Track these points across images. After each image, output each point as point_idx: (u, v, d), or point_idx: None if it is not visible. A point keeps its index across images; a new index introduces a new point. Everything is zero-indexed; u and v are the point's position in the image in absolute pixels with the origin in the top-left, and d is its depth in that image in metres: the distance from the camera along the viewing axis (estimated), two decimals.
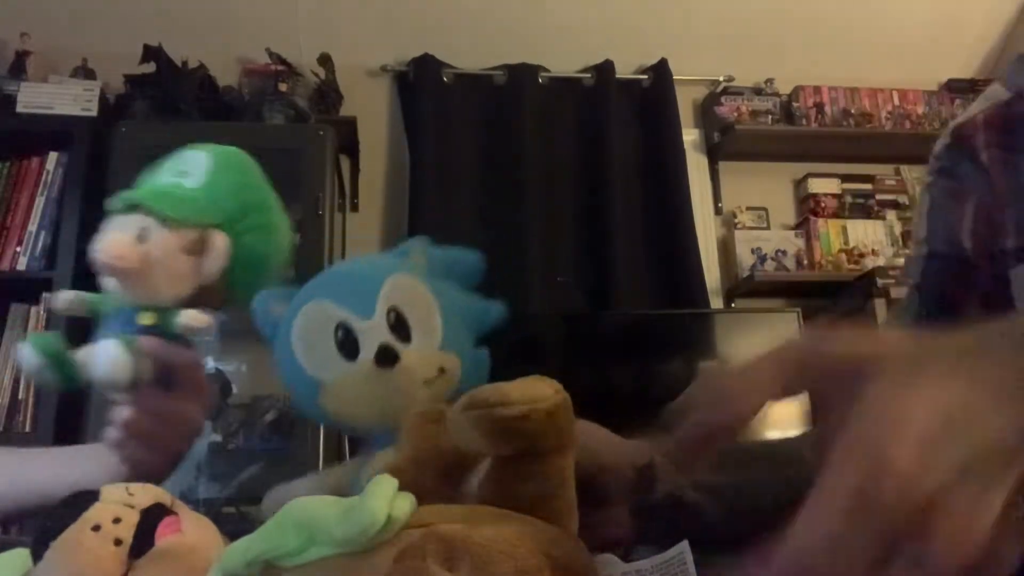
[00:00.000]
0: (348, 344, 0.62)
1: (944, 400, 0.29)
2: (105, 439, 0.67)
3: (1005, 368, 0.31)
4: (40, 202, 2.16)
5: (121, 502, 0.43)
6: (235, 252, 0.69)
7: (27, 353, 0.64)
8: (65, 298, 0.68)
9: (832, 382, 0.35)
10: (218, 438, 2.15)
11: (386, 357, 0.61)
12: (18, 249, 2.12)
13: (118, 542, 0.41)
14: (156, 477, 0.65)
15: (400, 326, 0.63)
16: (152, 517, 0.43)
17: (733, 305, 2.71)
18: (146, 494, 0.44)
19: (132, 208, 0.67)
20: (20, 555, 0.43)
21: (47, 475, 0.74)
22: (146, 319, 0.66)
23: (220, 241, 0.68)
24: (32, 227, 2.14)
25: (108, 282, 0.67)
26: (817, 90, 2.86)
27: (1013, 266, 0.64)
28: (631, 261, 2.58)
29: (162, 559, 0.42)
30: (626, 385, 2.26)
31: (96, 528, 0.41)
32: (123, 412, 0.65)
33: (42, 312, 2.08)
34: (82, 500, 0.43)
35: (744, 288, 2.66)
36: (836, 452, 0.29)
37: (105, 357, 0.63)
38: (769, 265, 2.69)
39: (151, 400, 0.65)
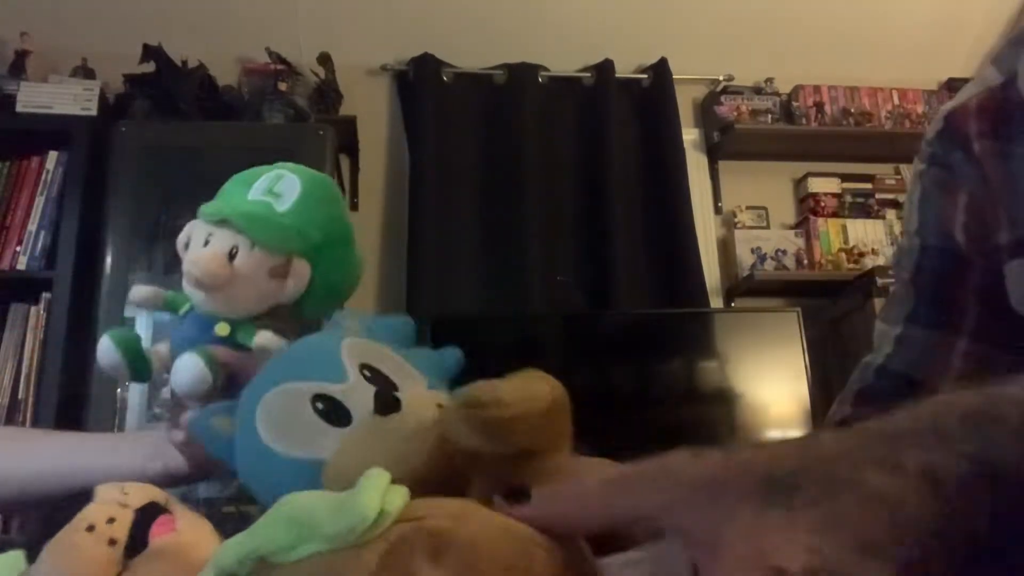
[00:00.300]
0: (334, 412, 0.55)
1: (800, 560, 0.27)
2: (172, 438, 0.71)
3: (869, 504, 0.28)
4: (40, 202, 2.16)
5: (115, 502, 0.43)
6: (313, 280, 0.70)
7: (106, 347, 0.66)
8: (142, 293, 0.69)
9: (682, 513, 0.32)
10: None
11: (387, 403, 0.55)
12: (18, 249, 2.12)
13: (112, 542, 0.41)
14: (207, 477, 0.70)
15: (379, 379, 0.57)
16: (147, 516, 0.43)
17: (733, 305, 2.71)
18: (141, 493, 0.44)
19: (222, 221, 0.68)
20: (15, 557, 0.43)
21: (91, 460, 0.76)
22: (222, 330, 0.67)
23: (303, 269, 0.70)
24: (32, 227, 2.14)
25: (192, 292, 0.68)
26: (817, 89, 2.86)
27: (1007, 261, 0.62)
28: (631, 260, 2.58)
29: (157, 558, 0.42)
30: (626, 385, 2.27)
31: (90, 528, 0.41)
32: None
33: (41, 312, 2.08)
34: (77, 502, 0.43)
35: (744, 287, 2.66)
36: None
37: (189, 371, 0.64)
38: (769, 264, 2.69)
39: None
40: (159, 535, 0.43)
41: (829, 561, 0.27)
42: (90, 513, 0.42)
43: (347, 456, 0.55)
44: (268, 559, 0.37)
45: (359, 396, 0.55)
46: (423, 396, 0.57)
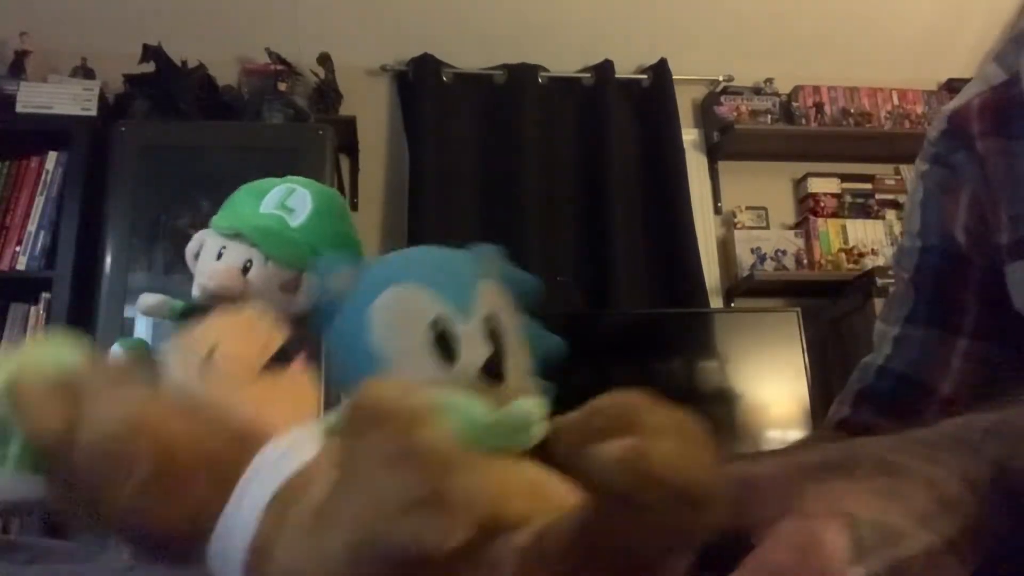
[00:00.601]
0: (446, 346, 0.54)
1: (854, 522, 0.30)
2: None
3: (919, 485, 0.32)
4: (39, 202, 2.16)
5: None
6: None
7: (117, 355, 0.67)
8: (149, 301, 0.69)
9: (753, 507, 0.35)
10: None
11: (494, 372, 0.53)
12: (17, 249, 2.12)
13: (268, 344, 0.42)
14: None
15: (495, 337, 0.56)
16: (290, 346, 0.45)
17: (733, 305, 2.71)
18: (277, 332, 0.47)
19: (235, 235, 0.68)
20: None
21: None
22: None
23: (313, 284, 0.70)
24: (31, 227, 2.14)
25: (203, 298, 0.69)
26: (817, 90, 2.86)
27: (1008, 262, 0.62)
28: (631, 260, 2.57)
29: (287, 383, 0.42)
30: (626, 385, 2.26)
31: (259, 319, 0.43)
32: None
33: (41, 312, 2.08)
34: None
35: (744, 288, 2.66)
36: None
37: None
38: (769, 265, 2.69)
39: None
40: (297, 367, 0.43)
41: (890, 520, 0.31)
42: (256, 310, 0.44)
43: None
44: None
45: (474, 345, 0.54)
46: (521, 385, 0.56)
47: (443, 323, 0.54)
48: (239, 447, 0.32)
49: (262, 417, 0.36)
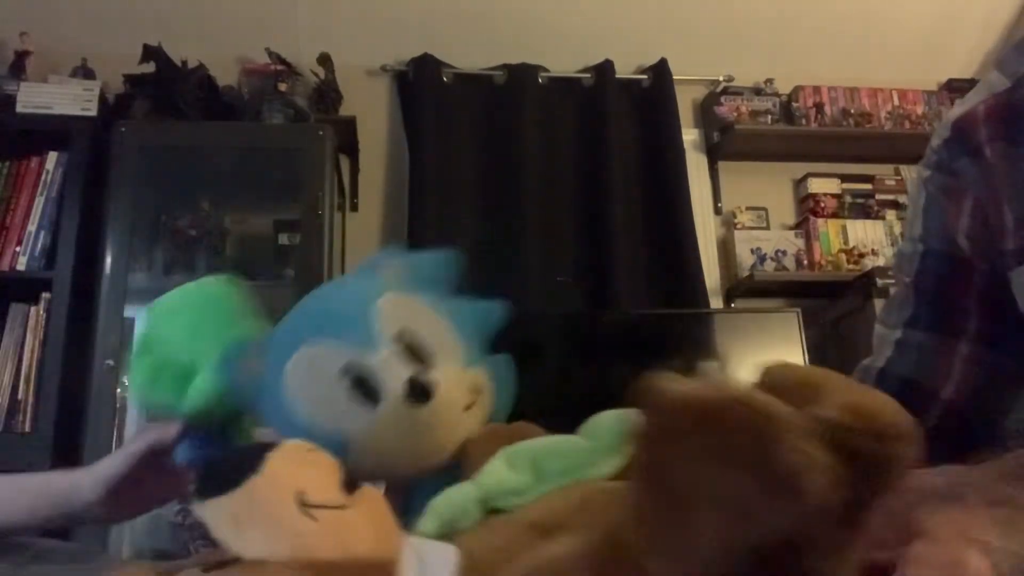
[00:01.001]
0: (363, 388, 0.53)
1: (989, 548, 0.32)
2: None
3: None
4: (40, 202, 2.16)
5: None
6: None
7: None
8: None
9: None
10: None
11: (420, 392, 0.51)
12: (18, 249, 2.12)
13: (334, 469, 0.39)
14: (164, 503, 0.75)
15: (415, 352, 0.54)
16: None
17: (733, 305, 2.71)
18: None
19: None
20: None
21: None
22: None
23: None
24: (32, 227, 2.14)
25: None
26: (817, 90, 2.86)
27: (1013, 267, 0.62)
28: (631, 261, 2.57)
29: (371, 500, 0.40)
30: (625, 385, 2.26)
31: (311, 451, 0.39)
32: None
33: (41, 312, 2.08)
34: (261, 444, 0.40)
35: (744, 288, 2.66)
36: None
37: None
38: (769, 265, 2.69)
39: None
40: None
41: (1017, 548, 0.32)
42: (300, 442, 0.41)
43: (373, 441, 0.52)
44: (495, 503, 0.36)
45: (392, 372, 0.52)
46: (458, 380, 0.54)
47: (353, 368, 0.53)
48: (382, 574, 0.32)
49: (374, 541, 0.36)
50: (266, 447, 0.37)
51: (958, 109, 0.69)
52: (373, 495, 0.41)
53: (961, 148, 0.67)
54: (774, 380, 0.30)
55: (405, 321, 0.55)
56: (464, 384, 0.55)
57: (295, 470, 0.36)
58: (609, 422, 0.37)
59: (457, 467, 0.54)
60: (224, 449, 0.48)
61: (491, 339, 0.62)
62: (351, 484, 0.39)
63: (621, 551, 0.28)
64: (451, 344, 0.56)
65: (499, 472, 0.37)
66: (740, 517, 0.25)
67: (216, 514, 0.35)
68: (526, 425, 0.57)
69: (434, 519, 0.38)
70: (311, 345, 0.55)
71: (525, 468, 0.37)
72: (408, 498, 0.54)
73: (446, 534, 0.38)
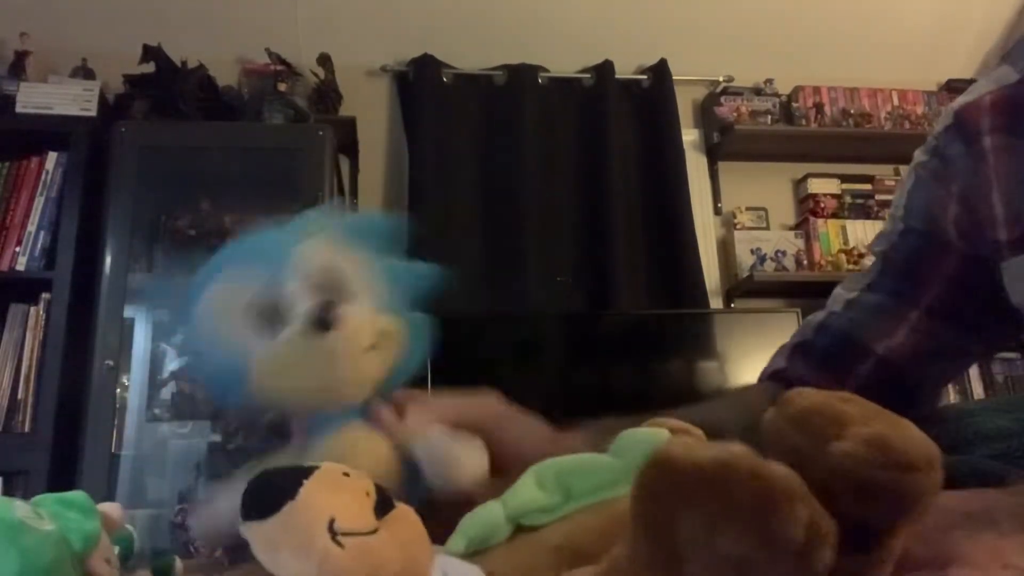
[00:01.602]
0: (270, 314, 0.54)
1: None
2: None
3: None
4: (39, 202, 2.16)
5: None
6: None
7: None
8: None
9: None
10: (217, 439, 2.15)
11: (321, 319, 0.52)
12: (17, 249, 2.12)
13: (367, 494, 0.39)
14: None
15: (330, 288, 0.55)
16: (380, 483, 0.42)
17: (732, 305, 2.71)
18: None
19: None
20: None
21: None
22: None
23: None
24: (31, 227, 2.14)
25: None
26: (817, 90, 2.86)
27: (1006, 258, 0.62)
28: (630, 261, 2.57)
29: (403, 521, 0.40)
30: (626, 386, 2.26)
31: (346, 475, 0.40)
32: None
33: (41, 312, 2.08)
34: (301, 466, 0.41)
35: (744, 288, 2.66)
36: None
37: None
38: (768, 265, 2.69)
39: None
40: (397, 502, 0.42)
41: None
42: (333, 465, 0.41)
43: (273, 366, 0.54)
44: (526, 522, 0.37)
45: (298, 303, 0.54)
46: (365, 319, 0.55)
47: (261, 298, 0.54)
48: None
49: (401, 563, 0.37)
50: (305, 472, 0.38)
51: (963, 98, 0.69)
52: (406, 515, 0.41)
53: (958, 135, 0.67)
54: (793, 410, 0.30)
55: (322, 262, 0.56)
56: (371, 325, 0.55)
57: (328, 497, 0.37)
58: (638, 440, 0.38)
59: (357, 408, 0.55)
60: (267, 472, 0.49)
61: (419, 300, 0.62)
62: (385, 505, 0.40)
63: None
64: (366, 287, 0.57)
65: (527, 490, 0.38)
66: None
67: (256, 537, 0.37)
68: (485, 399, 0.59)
69: (462, 538, 0.39)
70: (225, 281, 0.56)
71: (553, 486, 0.38)
72: (310, 433, 0.56)
73: (475, 552, 0.39)
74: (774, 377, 0.76)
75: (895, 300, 0.70)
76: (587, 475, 0.38)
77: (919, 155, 0.72)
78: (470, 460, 0.53)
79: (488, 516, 0.39)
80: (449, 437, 0.54)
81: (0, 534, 0.40)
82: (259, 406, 0.58)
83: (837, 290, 0.76)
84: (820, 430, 0.29)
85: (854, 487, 0.28)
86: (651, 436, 0.39)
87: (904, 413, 0.33)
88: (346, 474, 0.39)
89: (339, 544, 0.35)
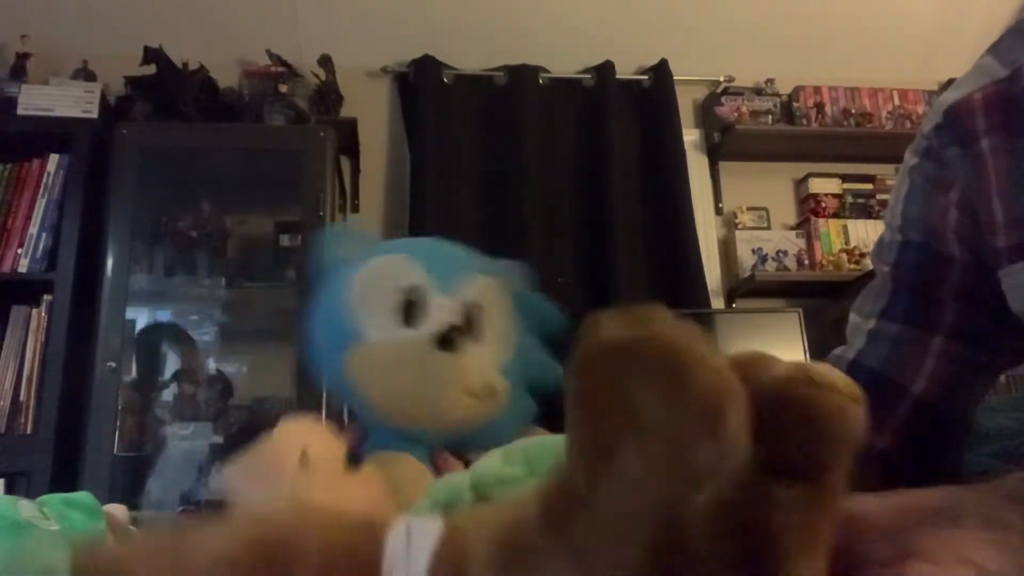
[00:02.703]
0: (411, 310, 0.55)
1: (983, 571, 0.33)
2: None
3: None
4: (41, 204, 2.16)
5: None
6: None
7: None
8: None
9: (862, 542, 0.38)
10: (219, 440, 2.15)
11: (448, 339, 0.53)
12: (19, 251, 2.12)
13: (338, 446, 0.41)
14: None
15: (471, 323, 0.56)
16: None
17: (734, 305, 2.71)
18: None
19: None
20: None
21: None
22: None
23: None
24: (33, 229, 2.14)
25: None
26: (817, 90, 2.86)
27: (1004, 265, 0.60)
28: (632, 261, 2.57)
29: (368, 476, 0.42)
30: None
31: (320, 425, 0.42)
32: None
33: (43, 314, 2.08)
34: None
35: (745, 288, 2.66)
36: None
37: None
38: (770, 265, 2.69)
39: None
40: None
41: (1010, 572, 0.33)
42: (309, 418, 0.42)
43: (381, 354, 0.54)
44: (488, 491, 0.38)
45: (440, 315, 0.55)
46: (485, 365, 0.56)
47: (416, 292, 0.55)
48: (368, 537, 0.33)
49: (367, 505, 0.38)
50: (277, 420, 0.40)
51: (951, 95, 0.66)
52: (372, 475, 0.42)
53: (952, 136, 0.64)
54: (737, 358, 0.31)
55: (483, 300, 0.57)
56: (484, 374, 0.56)
57: (303, 435, 0.40)
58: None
59: (415, 437, 0.55)
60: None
61: (533, 390, 0.63)
62: (354, 462, 0.41)
63: (568, 491, 0.29)
64: (502, 343, 0.58)
65: (493, 463, 0.39)
66: (665, 451, 0.25)
67: (233, 477, 0.38)
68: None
69: (428, 500, 0.39)
70: (397, 257, 0.57)
71: (519, 462, 0.39)
72: (364, 439, 0.56)
73: (441, 515, 0.40)
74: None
75: (915, 328, 0.67)
76: (551, 452, 0.38)
77: (911, 157, 0.70)
78: None
79: (454, 482, 0.40)
80: None
81: (4, 532, 0.40)
82: (342, 389, 0.57)
83: (854, 318, 0.73)
84: (752, 367, 0.30)
85: (784, 407, 0.29)
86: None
87: (947, 454, 0.34)
88: (318, 426, 0.41)
89: (311, 471, 0.37)
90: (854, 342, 0.71)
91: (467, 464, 0.57)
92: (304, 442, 0.39)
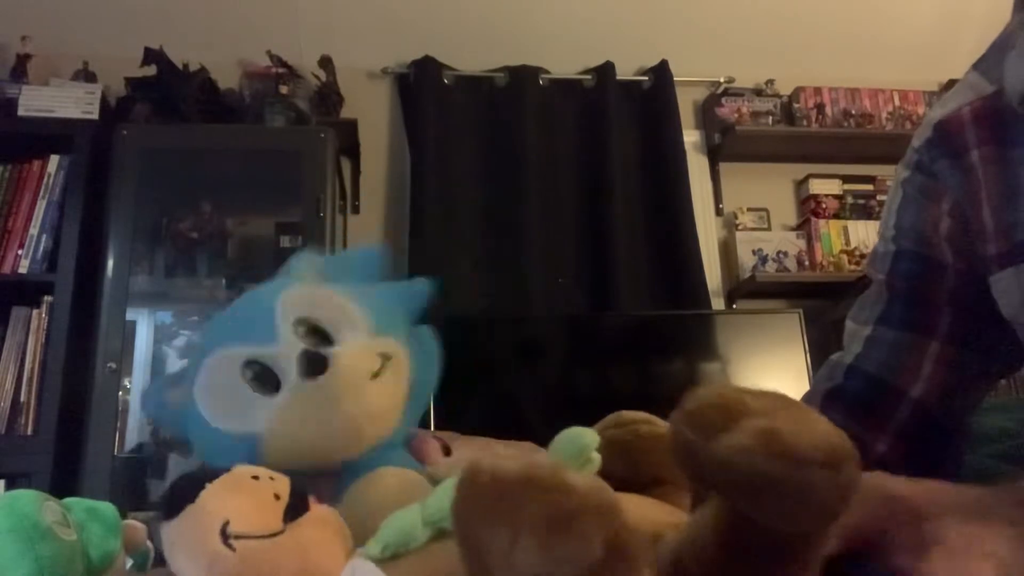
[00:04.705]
0: (266, 379, 0.52)
1: (1002, 563, 0.34)
2: None
3: None
4: (41, 205, 2.16)
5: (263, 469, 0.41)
6: None
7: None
8: None
9: (893, 523, 0.40)
10: None
11: (312, 364, 0.51)
12: (19, 252, 2.12)
13: (277, 497, 0.39)
14: None
15: (316, 334, 0.54)
16: (301, 485, 0.41)
17: (734, 306, 2.71)
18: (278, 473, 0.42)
19: None
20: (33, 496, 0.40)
21: None
22: None
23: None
24: (34, 230, 2.14)
25: None
26: (818, 91, 2.86)
27: (994, 272, 0.62)
28: (632, 262, 2.57)
29: (317, 524, 0.40)
30: (627, 386, 2.26)
31: (255, 478, 0.39)
32: None
33: (43, 315, 2.08)
34: (210, 472, 0.40)
35: (745, 289, 2.65)
36: None
37: None
38: (770, 266, 2.69)
39: None
40: (316, 505, 0.41)
41: (1022, 564, 0.34)
42: (247, 468, 0.40)
43: (282, 427, 0.51)
44: (447, 525, 0.37)
45: (290, 356, 0.52)
46: (360, 348, 0.53)
47: (253, 361, 0.52)
48: None
49: (299, 571, 0.37)
50: (211, 475, 0.38)
51: (939, 111, 0.68)
52: (322, 519, 0.40)
53: (942, 150, 0.66)
54: (691, 406, 0.29)
55: (306, 309, 0.55)
56: (369, 351, 0.53)
57: (226, 500, 0.37)
58: (567, 440, 0.37)
59: (385, 448, 0.53)
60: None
61: (416, 315, 0.61)
62: (297, 508, 0.39)
63: None
64: (355, 318, 0.55)
65: (447, 495, 0.37)
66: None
67: (163, 537, 0.37)
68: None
69: (379, 543, 0.38)
70: (215, 352, 0.54)
71: None
72: (340, 485, 0.53)
73: (394, 556, 0.38)
74: None
75: (911, 333, 0.68)
76: None
77: (902, 170, 0.71)
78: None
79: (405, 522, 0.38)
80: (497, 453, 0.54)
81: (23, 536, 0.40)
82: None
83: (850, 324, 0.74)
84: (711, 423, 0.28)
85: (744, 483, 0.26)
86: (579, 436, 0.39)
87: (946, 459, 0.35)
88: (255, 477, 0.39)
89: (230, 547, 0.35)
90: (851, 347, 0.72)
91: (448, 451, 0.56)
92: (227, 509, 0.36)
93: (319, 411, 0.51)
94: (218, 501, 0.37)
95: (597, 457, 0.37)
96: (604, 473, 0.37)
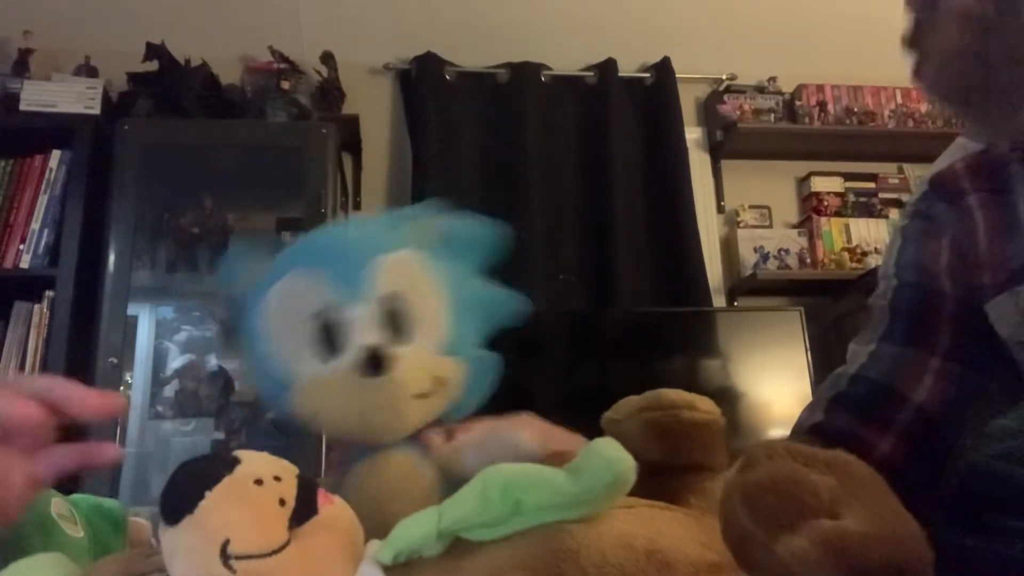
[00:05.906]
0: (328, 336, 0.51)
1: None
2: None
3: None
4: (43, 200, 2.16)
5: (269, 463, 0.38)
6: None
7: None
8: None
9: None
10: (221, 436, 2.16)
11: (373, 365, 0.49)
12: (21, 247, 2.12)
13: (282, 502, 0.36)
14: None
15: (396, 320, 0.52)
16: (309, 484, 0.38)
17: (736, 304, 2.70)
18: (285, 464, 0.39)
19: None
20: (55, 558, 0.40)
21: None
22: None
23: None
24: (35, 225, 2.14)
25: None
26: (820, 88, 2.86)
27: (990, 299, 0.66)
28: (633, 259, 2.57)
29: (325, 527, 0.38)
30: (629, 384, 2.26)
31: (258, 482, 0.36)
32: None
33: (45, 310, 2.09)
34: (223, 459, 0.37)
35: (747, 286, 2.65)
36: None
37: None
38: (772, 263, 2.69)
39: None
40: (325, 505, 0.38)
41: None
42: (251, 467, 0.37)
43: (313, 393, 0.51)
44: (467, 535, 0.35)
45: (360, 333, 0.50)
46: (422, 365, 0.52)
47: (326, 314, 0.51)
48: None
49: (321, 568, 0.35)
50: (211, 480, 0.35)
51: (933, 169, 0.75)
52: (332, 521, 0.38)
53: (940, 196, 0.72)
54: (748, 482, 0.28)
55: (401, 286, 0.53)
56: (426, 371, 0.52)
57: (227, 514, 0.35)
58: (602, 461, 0.34)
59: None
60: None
61: (494, 331, 0.59)
62: (304, 512, 0.37)
63: None
64: (435, 323, 0.54)
65: (468, 502, 0.36)
66: None
67: (162, 540, 0.36)
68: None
69: (390, 549, 0.36)
70: (296, 277, 0.53)
71: (500, 499, 0.35)
72: (349, 459, 0.53)
73: (406, 563, 0.37)
74: (814, 432, 0.73)
75: (913, 349, 0.71)
76: (538, 491, 0.35)
77: (901, 220, 0.77)
78: (525, 436, 0.50)
79: (419, 529, 0.36)
80: (497, 427, 0.52)
81: (31, 525, 0.39)
82: (300, 421, 0.54)
83: (853, 347, 0.76)
84: (773, 515, 0.24)
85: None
86: (615, 460, 0.34)
87: (949, 460, 0.34)
88: (259, 481, 0.36)
89: (230, 568, 0.34)
90: (855, 361, 0.75)
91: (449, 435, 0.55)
92: (228, 525, 0.34)
93: (355, 404, 0.50)
94: (218, 516, 0.35)
95: (631, 482, 0.35)
96: (640, 454, 0.35)
